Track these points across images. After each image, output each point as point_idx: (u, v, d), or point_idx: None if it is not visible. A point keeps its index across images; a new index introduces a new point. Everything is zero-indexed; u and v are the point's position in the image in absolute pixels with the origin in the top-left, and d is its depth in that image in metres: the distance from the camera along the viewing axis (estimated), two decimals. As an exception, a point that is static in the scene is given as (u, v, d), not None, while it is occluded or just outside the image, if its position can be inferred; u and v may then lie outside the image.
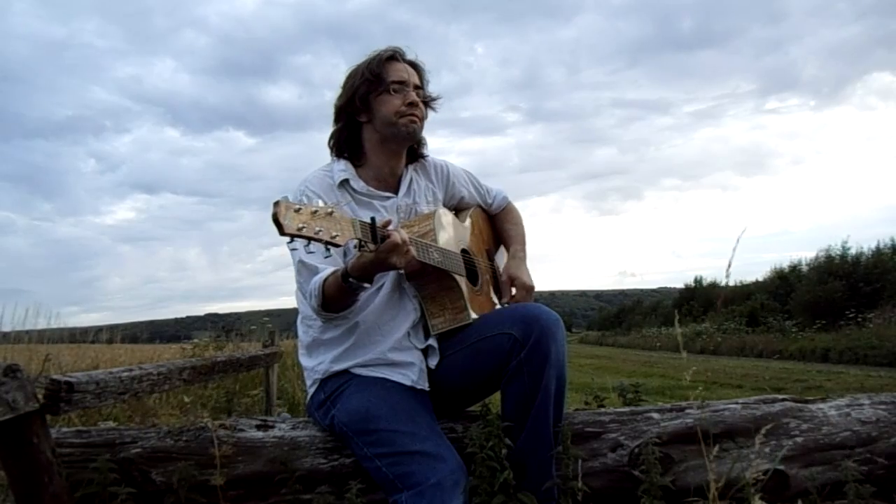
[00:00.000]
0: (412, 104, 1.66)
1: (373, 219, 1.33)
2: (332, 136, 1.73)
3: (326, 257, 1.26)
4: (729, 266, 1.40)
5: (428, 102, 1.73)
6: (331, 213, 1.23)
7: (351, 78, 1.69)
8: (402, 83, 1.66)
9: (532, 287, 1.78)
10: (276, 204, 1.17)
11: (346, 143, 1.70)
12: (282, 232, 1.17)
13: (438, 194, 1.82)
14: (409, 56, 1.73)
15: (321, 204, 1.23)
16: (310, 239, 1.19)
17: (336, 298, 1.47)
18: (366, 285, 1.44)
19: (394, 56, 1.69)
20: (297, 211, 1.19)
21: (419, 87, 1.70)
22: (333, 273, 1.46)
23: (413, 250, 1.40)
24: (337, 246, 1.23)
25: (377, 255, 1.34)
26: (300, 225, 1.18)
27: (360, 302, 1.56)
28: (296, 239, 1.19)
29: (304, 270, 1.54)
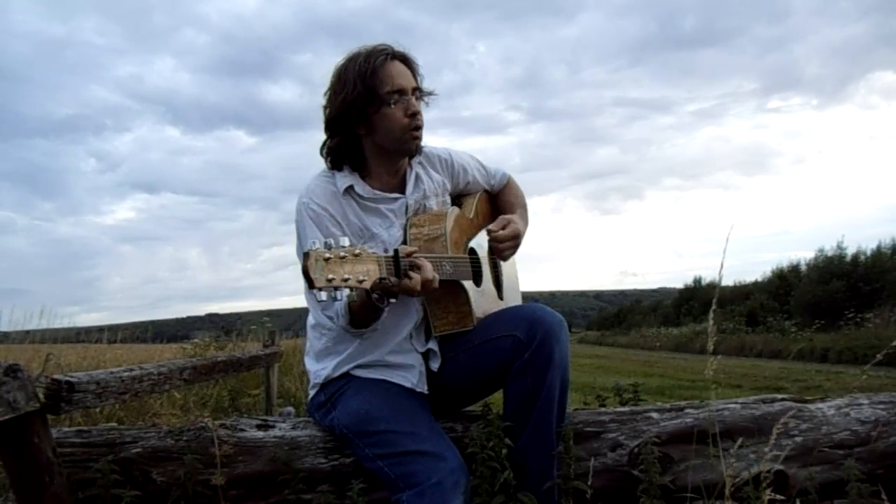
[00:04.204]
0: (415, 115, 1.56)
1: (396, 251, 1.31)
2: (328, 149, 1.63)
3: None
4: (721, 267, 1.40)
5: (423, 97, 1.63)
6: (357, 255, 1.21)
7: (342, 86, 1.55)
8: (401, 91, 1.55)
9: (520, 233, 1.68)
10: (306, 255, 1.15)
11: (345, 155, 1.62)
12: (312, 286, 1.15)
13: (447, 184, 1.76)
14: (399, 49, 1.59)
15: (346, 244, 1.20)
16: (338, 288, 1.17)
17: (362, 315, 1.44)
18: (392, 300, 1.39)
19: (385, 58, 1.56)
20: (327, 261, 1.16)
21: (416, 88, 1.59)
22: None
23: (431, 270, 1.37)
24: (364, 289, 1.22)
25: (401, 286, 1.32)
26: (330, 276, 1.16)
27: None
28: (324, 290, 1.17)
29: None
